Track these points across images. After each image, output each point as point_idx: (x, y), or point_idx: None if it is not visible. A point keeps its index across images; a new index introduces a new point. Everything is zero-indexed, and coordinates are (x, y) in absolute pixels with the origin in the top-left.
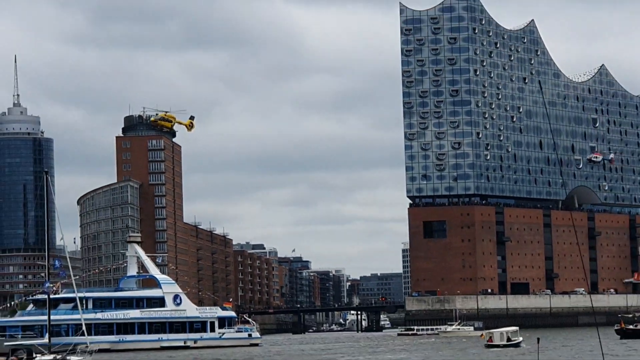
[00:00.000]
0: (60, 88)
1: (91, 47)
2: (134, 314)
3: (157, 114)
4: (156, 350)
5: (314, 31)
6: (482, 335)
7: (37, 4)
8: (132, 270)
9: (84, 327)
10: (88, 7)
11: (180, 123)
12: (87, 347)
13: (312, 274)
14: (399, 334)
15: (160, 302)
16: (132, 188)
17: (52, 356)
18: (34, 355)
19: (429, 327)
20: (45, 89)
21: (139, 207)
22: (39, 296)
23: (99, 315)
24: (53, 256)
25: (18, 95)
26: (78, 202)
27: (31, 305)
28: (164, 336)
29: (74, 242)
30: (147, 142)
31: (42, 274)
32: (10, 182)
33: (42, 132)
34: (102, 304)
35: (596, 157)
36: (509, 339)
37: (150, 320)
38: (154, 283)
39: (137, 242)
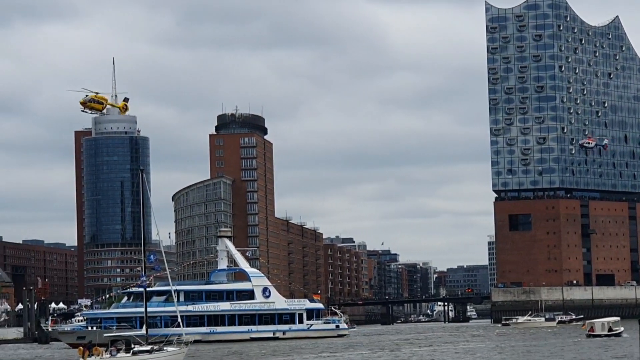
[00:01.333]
0: (152, 88)
1: (181, 47)
2: (224, 306)
3: (86, 95)
4: (246, 341)
5: (397, 29)
6: (583, 325)
7: (128, 7)
8: (223, 264)
9: (179, 319)
10: (176, 9)
11: (113, 105)
12: (183, 338)
13: (400, 266)
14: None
15: (249, 294)
16: (225, 184)
17: (149, 347)
18: (133, 345)
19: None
20: (139, 88)
21: (232, 203)
22: (133, 289)
23: (190, 307)
24: (149, 250)
25: (116, 96)
26: (173, 198)
27: (125, 298)
28: (254, 327)
29: (169, 237)
30: (240, 139)
31: (138, 268)
32: (108, 180)
33: (139, 131)
34: (193, 297)
35: (589, 143)
36: (610, 329)
37: (240, 312)
38: (243, 276)
39: (228, 237)
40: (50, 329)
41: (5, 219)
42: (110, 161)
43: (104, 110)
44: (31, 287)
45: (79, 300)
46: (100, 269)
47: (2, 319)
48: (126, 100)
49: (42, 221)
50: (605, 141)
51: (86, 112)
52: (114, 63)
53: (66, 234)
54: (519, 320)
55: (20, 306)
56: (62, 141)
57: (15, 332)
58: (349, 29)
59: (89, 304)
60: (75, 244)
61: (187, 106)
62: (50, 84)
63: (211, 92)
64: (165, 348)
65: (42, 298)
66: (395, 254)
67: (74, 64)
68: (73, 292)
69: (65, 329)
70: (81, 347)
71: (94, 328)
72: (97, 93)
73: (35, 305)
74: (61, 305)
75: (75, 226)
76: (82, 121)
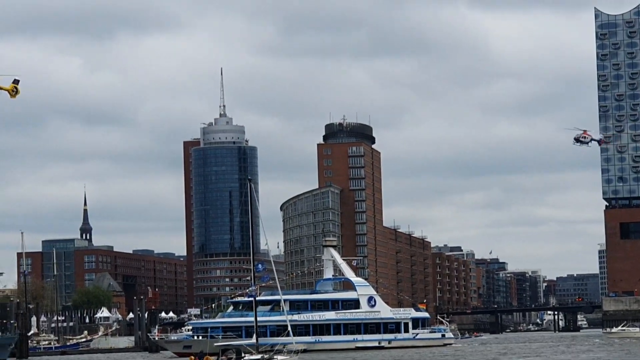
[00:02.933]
0: (256, 97)
1: (283, 56)
2: (329, 315)
3: None
4: (351, 350)
5: (500, 36)
6: None
7: (229, 18)
8: (328, 274)
9: (289, 328)
10: (276, 18)
11: (1, 88)
12: (292, 347)
13: (508, 275)
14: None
15: (355, 303)
16: (333, 193)
17: (259, 356)
18: (243, 354)
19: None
20: (242, 98)
21: (340, 212)
22: (239, 299)
23: (296, 317)
24: (258, 260)
25: (224, 106)
26: (281, 208)
27: (231, 308)
28: (359, 337)
29: (277, 247)
30: (348, 148)
31: (247, 278)
32: (216, 190)
33: (247, 141)
34: (298, 306)
35: (584, 137)
36: None
37: (345, 322)
38: (349, 285)
39: (333, 246)
40: (157, 339)
41: (117, 229)
42: (218, 171)
43: None
44: (142, 297)
45: (188, 310)
46: (209, 278)
47: (113, 328)
48: (16, 82)
49: (151, 231)
50: (601, 135)
51: None
52: (222, 74)
53: (175, 243)
54: (612, 331)
55: (131, 315)
56: (170, 151)
57: (127, 341)
58: (451, 36)
59: (198, 313)
60: (185, 254)
61: (291, 115)
62: (155, 95)
63: (315, 101)
64: (275, 357)
65: (152, 307)
66: (504, 263)
67: (178, 74)
68: (182, 301)
69: (172, 338)
70: (192, 356)
71: (201, 337)
72: None
73: (146, 315)
74: (171, 314)
75: (184, 236)
76: (189, 131)
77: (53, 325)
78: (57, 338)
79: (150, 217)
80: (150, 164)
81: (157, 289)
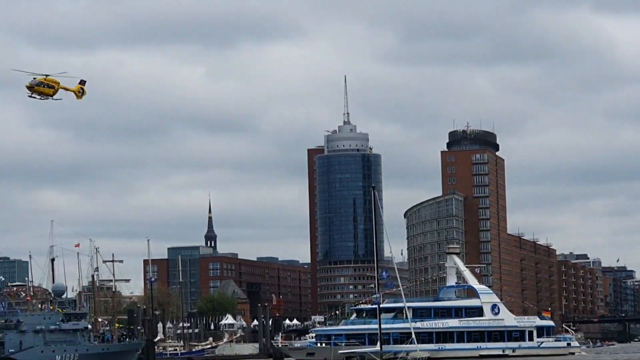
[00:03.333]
0: (379, 105)
1: (404, 64)
2: (452, 323)
3: (34, 78)
4: (475, 358)
5: (625, 41)
6: None
7: (350, 25)
8: (451, 281)
9: (413, 336)
10: (397, 26)
11: (66, 89)
12: (417, 354)
13: (636, 283)
14: None
15: (478, 311)
16: (457, 201)
17: None
18: None
19: None
20: (367, 106)
21: (464, 219)
22: (362, 306)
23: (419, 324)
24: (382, 268)
25: (348, 113)
26: (405, 215)
27: (354, 315)
28: (483, 345)
29: (401, 254)
30: (472, 156)
31: (372, 285)
32: (340, 197)
33: (371, 149)
34: (422, 314)
35: None
36: None
37: (468, 329)
38: (472, 293)
39: (456, 254)
40: (280, 346)
41: (241, 236)
42: (342, 179)
43: (56, 95)
44: (266, 304)
45: (312, 317)
46: (333, 285)
47: (238, 335)
48: (82, 82)
49: (276, 239)
50: None
51: (34, 97)
52: (345, 81)
53: (299, 251)
54: None
55: (255, 322)
56: (293, 159)
57: (251, 348)
58: (575, 41)
59: (321, 320)
60: (309, 261)
61: (413, 123)
62: (278, 103)
63: (437, 108)
64: None
65: (277, 314)
66: (632, 271)
67: (300, 82)
68: (306, 308)
69: (296, 345)
70: None
71: (324, 345)
72: (46, 76)
73: (270, 322)
74: (295, 321)
75: (308, 243)
76: (312, 139)
77: (178, 331)
78: (182, 344)
79: (275, 225)
80: (274, 172)
81: (281, 296)
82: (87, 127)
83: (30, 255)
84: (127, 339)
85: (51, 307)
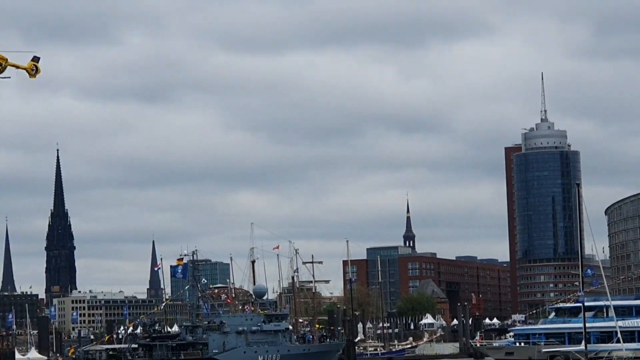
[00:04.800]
0: (575, 101)
1: (599, 59)
2: None
3: None
4: None
5: None
6: None
7: (541, 21)
8: None
9: (619, 335)
10: (590, 20)
11: (17, 67)
12: (623, 354)
13: None
14: None
15: None
16: None
17: None
18: None
19: None
20: (563, 103)
21: None
22: (562, 304)
23: (620, 323)
24: (585, 265)
25: (545, 110)
26: (605, 212)
27: (553, 314)
28: None
29: (603, 251)
30: None
31: (576, 283)
32: (539, 195)
33: (569, 145)
34: (623, 312)
35: None
36: None
37: None
38: None
39: None
40: (478, 345)
41: (439, 236)
42: (541, 176)
43: (5, 72)
44: (465, 303)
45: (512, 316)
46: (533, 284)
47: (438, 335)
48: (35, 59)
49: (474, 238)
50: None
51: None
52: (542, 78)
53: (498, 249)
54: None
55: (455, 322)
56: (489, 158)
57: (452, 348)
58: None
59: (522, 319)
60: (508, 260)
61: (609, 118)
62: (471, 102)
63: (634, 102)
64: None
65: (476, 314)
66: None
67: (493, 80)
68: (506, 307)
69: (495, 344)
70: None
71: (522, 344)
72: None
73: (470, 321)
74: (494, 320)
75: (507, 242)
76: (509, 137)
77: (378, 331)
78: (382, 344)
79: (472, 224)
80: (470, 171)
81: (480, 295)
82: (280, 129)
83: (231, 258)
84: (328, 340)
85: (252, 309)
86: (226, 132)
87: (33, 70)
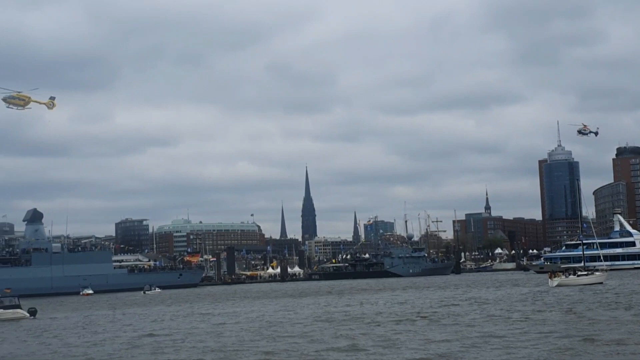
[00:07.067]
0: None
1: None
2: None
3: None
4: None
5: None
6: None
7: None
8: None
9: (601, 257)
10: None
11: (38, 102)
12: None
13: None
14: None
15: None
16: None
17: None
18: None
19: None
20: None
21: None
22: (569, 242)
23: (602, 252)
24: (583, 222)
25: None
26: (593, 193)
27: (564, 247)
28: None
29: (592, 214)
30: None
31: (576, 231)
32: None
33: None
34: (602, 245)
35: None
36: None
37: None
38: None
39: None
40: (525, 263)
41: (502, 206)
42: None
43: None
44: (518, 242)
45: (544, 248)
46: (555, 231)
47: (504, 258)
48: (52, 98)
49: (519, 207)
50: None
51: (11, 108)
52: None
53: (535, 212)
54: None
55: (512, 252)
56: None
57: (511, 265)
58: None
59: (549, 250)
60: (541, 218)
61: None
62: None
63: None
64: None
65: (524, 248)
66: None
67: None
68: (540, 244)
69: (533, 263)
70: None
71: (548, 263)
72: (18, 92)
73: (520, 251)
74: (534, 251)
75: (539, 207)
76: None
77: (472, 256)
78: (474, 263)
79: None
80: None
81: (526, 237)
82: None
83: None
84: (446, 260)
85: (407, 245)
86: None
87: (51, 106)
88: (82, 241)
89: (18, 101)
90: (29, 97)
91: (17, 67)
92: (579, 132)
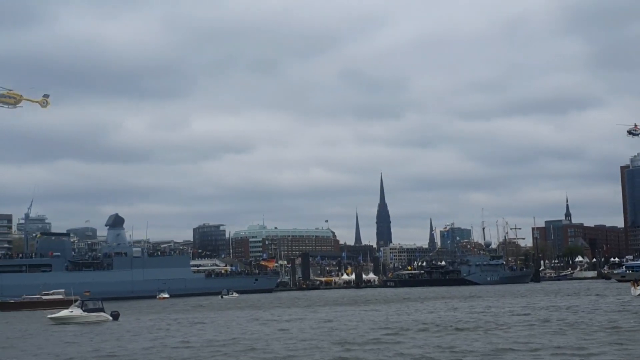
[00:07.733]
0: None
1: None
2: None
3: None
4: None
5: None
6: None
7: None
8: None
9: None
10: None
11: (31, 101)
12: None
13: None
14: None
15: None
16: None
17: None
18: None
19: None
20: None
21: None
22: None
23: None
24: None
25: None
26: None
27: None
28: None
29: None
30: None
31: None
32: None
33: None
34: None
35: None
36: None
37: None
38: None
39: None
40: (606, 272)
41: (582, 213)
42: None
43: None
44: (600, 250)
45: (626, 257)
46: (637, 239)
47: (585, 266)
48: (45, 96)
49: (601, 215)
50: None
51: (2, 106)
52: None
53: (617, 220)
54: None
55: (594, 260)
56: None
57: (592, 273)
58: None
59: (631, 258)
60: (623, 226)
61: None
62: None
63: None
64: None
65: (605, 256)
66: None
67: None
68: (621, 252)
69: (614, 272)
70: None
71: (629, 272)
72: (9, 90)
73: (602, 259)
74: (615, 259)
75: (621, 215)
76: None
77: (552, 264)
78: (554, 271)
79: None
80: None
81: (607, 245)
82: None
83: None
84: (525, 269)
85: (484, 253)
86: None
87: (44, 104)
88: (162, 246)
89: (9, 99)
90: (20, 96)
91: (96, 76)
92: (629, 132)
